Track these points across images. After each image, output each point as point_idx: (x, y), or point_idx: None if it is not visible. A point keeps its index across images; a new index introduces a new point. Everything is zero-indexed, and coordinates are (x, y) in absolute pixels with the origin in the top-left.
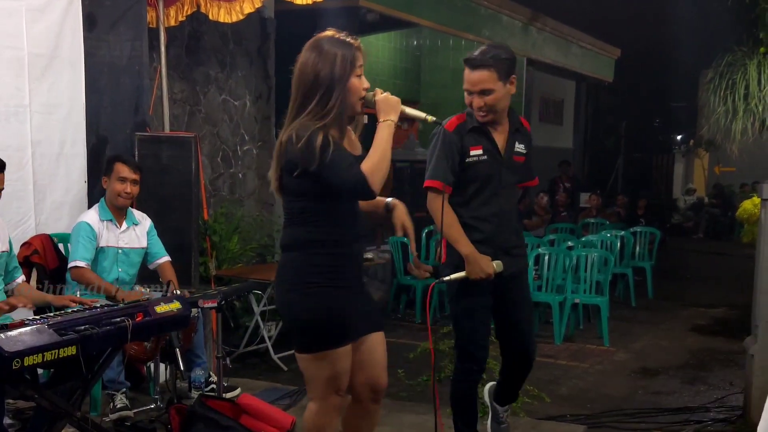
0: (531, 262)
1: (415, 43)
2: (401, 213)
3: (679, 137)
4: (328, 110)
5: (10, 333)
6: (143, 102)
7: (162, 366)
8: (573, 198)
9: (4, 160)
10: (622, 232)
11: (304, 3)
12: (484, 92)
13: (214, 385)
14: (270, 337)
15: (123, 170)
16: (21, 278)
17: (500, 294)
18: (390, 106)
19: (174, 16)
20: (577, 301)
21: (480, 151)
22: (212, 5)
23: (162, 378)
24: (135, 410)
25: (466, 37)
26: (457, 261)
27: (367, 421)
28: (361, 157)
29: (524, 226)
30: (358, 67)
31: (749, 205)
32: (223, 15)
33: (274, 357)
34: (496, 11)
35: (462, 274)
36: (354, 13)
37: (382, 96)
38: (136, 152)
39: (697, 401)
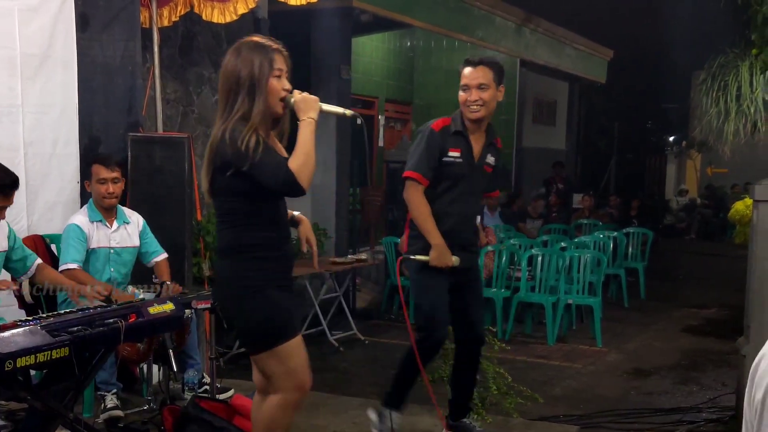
0: (524, 263)
1: (408, 44)
2: (306, 228)
3: (671, 138)
4: (253, 111)
5: (2, 334)
6: (136, 102)
7: (155, 367)
8: (566, 199)
9: None
10: (615, 233)
11: (298, 4)
12: (481, 87)
13: (207, 386)
14: None
15: (100, 171)
16: (36, 262)
17: (454, 284)
18: (308, 105)
19: (167, 17)
20: (570, 301)
21: (458, 154)
22: (206, 5)
23: (155, 379)
24: (128, 411)
25: (460, 38)
26: (421, 248)
27: (257, 406)
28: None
29: (519, 228)
30: (277, 69)
31: (741, 206)
32: (216, 15)
33: None
34: (490, 12)
35: (426, 258)
36: (347, 13)
37: (300, 96)
38: (129, 153)
39: (690, 402)
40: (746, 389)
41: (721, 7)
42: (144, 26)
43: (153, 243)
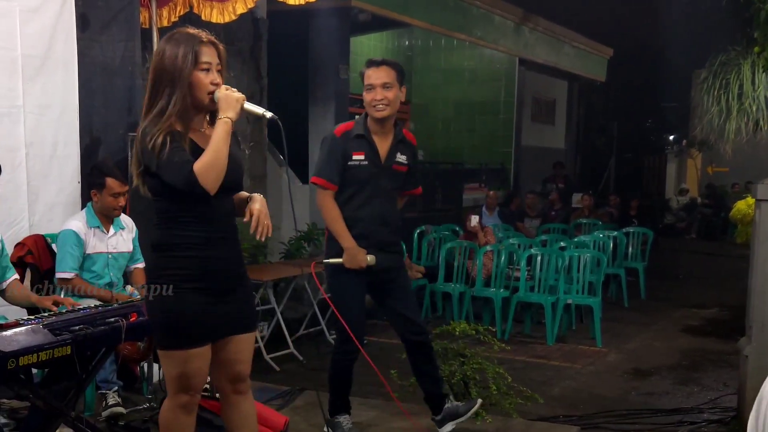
0: (523, 262)
1: (406, 43)
2: (255, 201)
3: (671, 137)
4: (172, 106)
5: (4, 333)
6: (136, 102)
7: (155, 366)
8: (566, 199)
9: None
10: (615, 233)
11: (297, 3)
12: (386, 86)
13: (207, 385)
14: (262, 338)
15: (115, 186)
16: (12, 277)
17: (379, 285)
18: (229, 104)
19: (167, 17)
20: (569, 301)
21: (362, 157)
22: (205, 5)
23: (155, 378)
24: (128, 410)
25: (458, 38)
26: (337, 251)
27: (237, 413)
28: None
29: (518, 227)
30: (204, 62)
31: (743, 205)
32: (215, 15)
33: (267, 357)
34: (488, 11)
35: (339, 260)
36: (346, 13)
37: (223, 93)
38: (129, 153)
39: (691, 402)
40: (752, 415)
41: (722, 5)
42: (143, 26)
43: (138, 250)
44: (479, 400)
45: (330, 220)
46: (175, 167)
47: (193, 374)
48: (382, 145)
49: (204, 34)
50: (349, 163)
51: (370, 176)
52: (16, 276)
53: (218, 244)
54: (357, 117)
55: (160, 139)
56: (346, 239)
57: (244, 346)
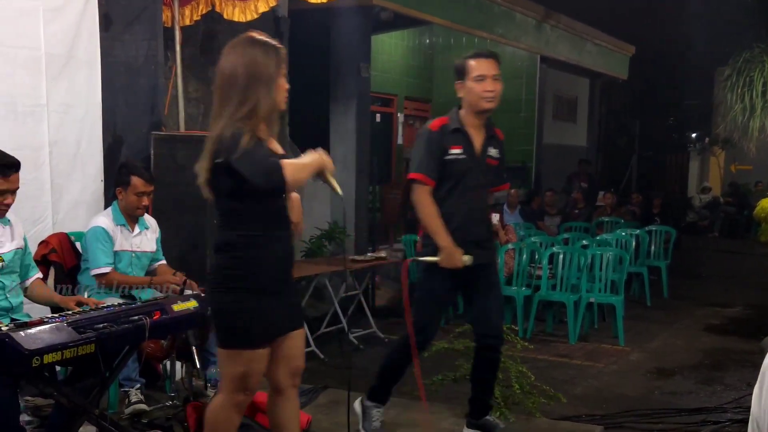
0: (545, 261)
1: (427, 41)
2: (292, 201)
3: (694, 135)
4: (262, 108)
5: (29, 331)
6: (159, 101)
7: (178, 364)
8: (589, 197)
9: (21, 159)
10: (637, 231)
11: (318, 2)
12: (495, 78)
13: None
14: None
15: (140, 185)
16: (36, 276)
17: (472, 282)
18: (323, 163)
19: (189, 16)
20: (592, 300)
21: (459, 151)
22: (227, 4)
23: (178, 376)
24: (151, 408)
25: (479, 35)
26: (432, 249)
27: (292, 405)
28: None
29: (539, 225)
30: (283, 67)
31: (767, 203)
32: (237, 14)
33: None
34: (510, 9)
35: (435, 258)
36: (367, 11)
37: (323, 156)
38: (152, 152)
39: (714, 401)
40: (755, 389)
41: (745, 2)
42: (166, 25)
43: (160, 249)
44: None
45: (427, 216)
46: (266, 164)
47: (253, 374)
48: (477, 139)
49: (277, 41)
50: (447, 157)
51: (467, 170)
52: (40, 275)
53: (278, 242)
54: (449, 111)
55: (248, 138)
56: (444, 237)
57: (298, 341)
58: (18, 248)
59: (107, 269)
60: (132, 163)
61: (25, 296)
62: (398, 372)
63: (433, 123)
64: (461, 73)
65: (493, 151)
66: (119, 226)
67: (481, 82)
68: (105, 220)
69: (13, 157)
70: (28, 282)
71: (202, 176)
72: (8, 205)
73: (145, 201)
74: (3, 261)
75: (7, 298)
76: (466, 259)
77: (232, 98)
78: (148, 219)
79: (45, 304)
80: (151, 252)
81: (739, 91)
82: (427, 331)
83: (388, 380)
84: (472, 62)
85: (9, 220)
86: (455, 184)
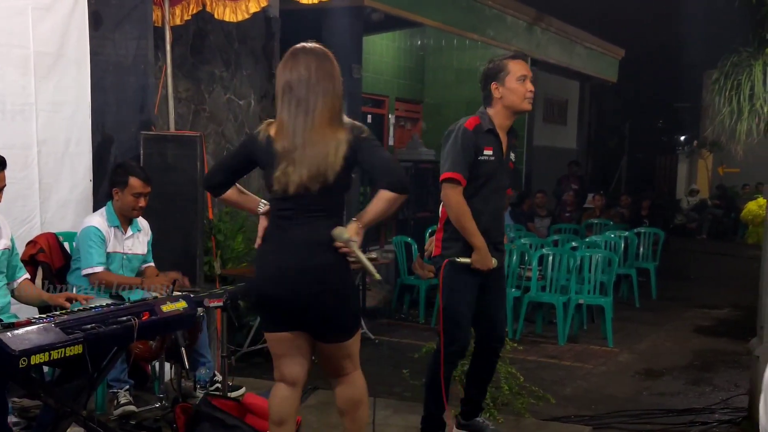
0: (535, 262)
1: (419, 42)
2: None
3: (682, 138)
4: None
5: (16, 331)
6: (148, 101)
7: (167, 365)
8: (579, 199)
9: (10, 158)
10: (626, 233)
11: (310, 2)
12: (532, 79)
13: (219, 384)
14: None
15: (138, 186)
16: (23, 277)
17: (483, 284)
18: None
19: (179, 15)
20: (581, 301)
21: (491, 152)
22: (218, 4)
23: (167, 377)
24: (140, 409)
25: (471, 37)
26: (457, 250)
27: (351, 388)
28: None
29: (530, 227)
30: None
31: (754, 206)
32: (228, 14)
33: None
34: (501, 11)
35: (468, 260)
36: (359, 12)
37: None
38: (141, 151)
39: (702, 402)
40: (762, 397)
41: (734, 6)
42: (156, 25)
43: (151, 252)
44: None
45: (461, 215)
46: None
47: None
48: (504, 141)
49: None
50: (480, 157)
51: (494, 172)
52: (27, 276)
53: None
54: (478, 111)
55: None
56: (479, 238)
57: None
58: (5, 249)
59: (99, 269)
60: (129, 163)
61: (13, 297)
62: (446, 386)
63: (468, 122)
64: (497, 74)
65: (512, 155)
66: (113, 228)
67: (524, 82)
68: (99, 220)
69: None
70: (16, 283)
71: (333, 174)
72: None
73: (142, 202)
74: None
75: None
76: (494, 261)
77: (341, 104)
78: (141, 221)
79: (34, 304)
80: (142, 255)
81: (727, 94)
82: (462, 338)
83: (439, 399)
84: (511, 63)
85: None
86: (482, 184)
